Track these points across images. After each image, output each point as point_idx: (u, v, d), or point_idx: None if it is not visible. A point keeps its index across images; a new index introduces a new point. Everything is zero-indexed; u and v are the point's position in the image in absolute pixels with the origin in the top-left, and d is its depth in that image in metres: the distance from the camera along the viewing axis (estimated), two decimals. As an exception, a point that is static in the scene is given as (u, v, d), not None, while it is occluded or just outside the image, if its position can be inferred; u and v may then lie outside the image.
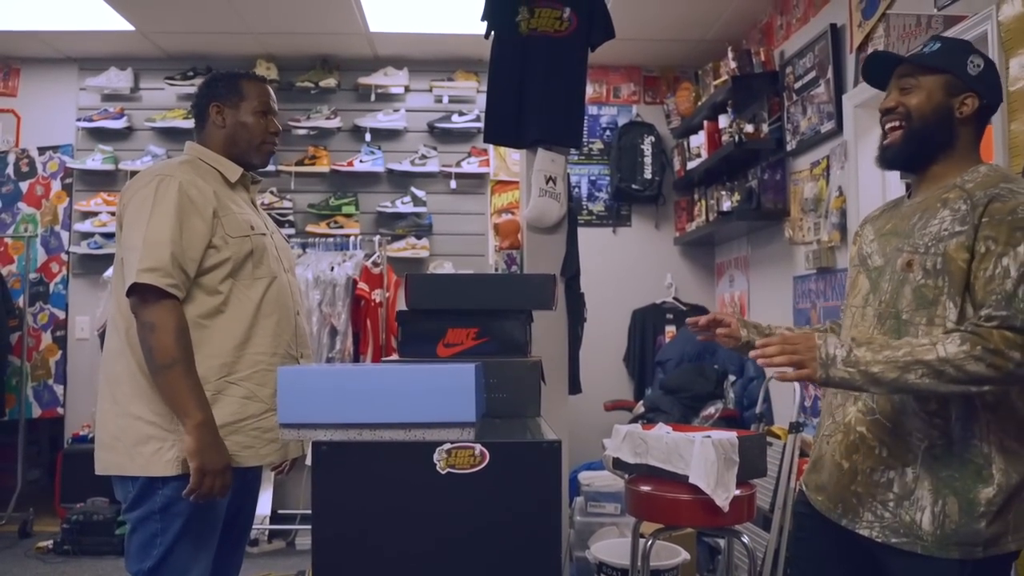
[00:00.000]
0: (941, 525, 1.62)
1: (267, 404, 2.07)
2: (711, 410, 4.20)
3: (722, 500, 2.27)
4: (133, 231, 1.99)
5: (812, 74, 3.99)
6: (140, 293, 1.94)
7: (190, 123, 5.34)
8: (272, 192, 5.27)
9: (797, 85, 4.15)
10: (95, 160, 5.27)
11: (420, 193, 5.37)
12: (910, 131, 1.75)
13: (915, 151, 1.76)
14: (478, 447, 1.47)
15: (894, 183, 3.48)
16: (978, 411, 1.62)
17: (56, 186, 5.37)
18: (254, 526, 4.59)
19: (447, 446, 1.47)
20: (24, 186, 5.37)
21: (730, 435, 2.39)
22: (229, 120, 2.21)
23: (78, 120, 5.37)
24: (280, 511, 4.96)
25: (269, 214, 5.03)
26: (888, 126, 1.79)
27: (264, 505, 4.84)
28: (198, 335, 2.00)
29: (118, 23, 4.83)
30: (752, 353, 1.74)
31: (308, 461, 1.58)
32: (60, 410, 5.22)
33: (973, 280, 1.60)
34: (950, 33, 2.89)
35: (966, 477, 1.61)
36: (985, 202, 1.61)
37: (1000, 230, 1.57)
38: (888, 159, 1.81)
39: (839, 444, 1.80)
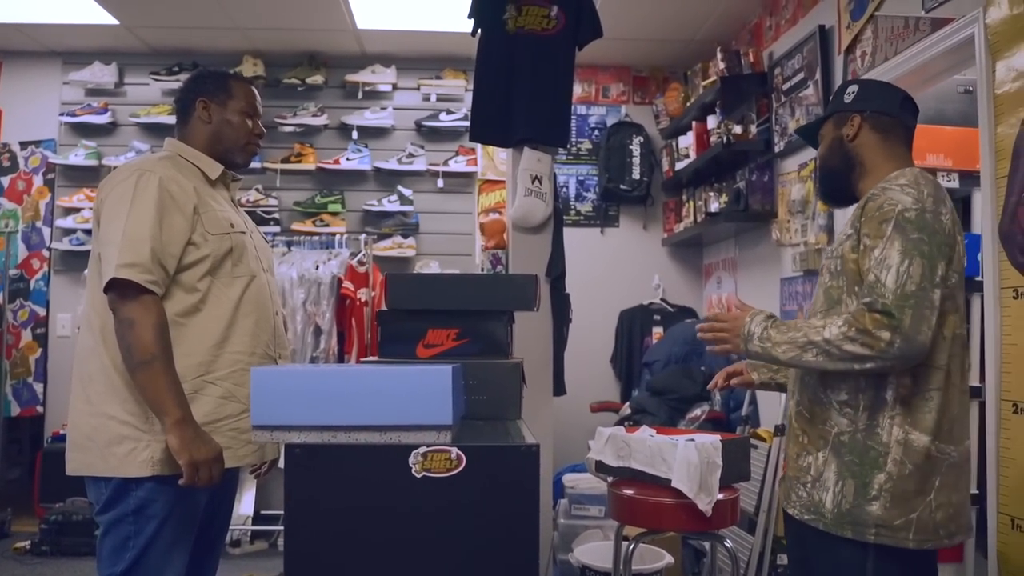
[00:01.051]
0: (838, 505, 1.80)
1: (245, 404, 2.03)
2: (697, 412, 4.18)
3: (705, 504, 2.25)
4: (112, 226, 1.95)
5: (800, 75, 3.98)
6: (119, 289, 1.90)
7: (174, 119, 5.29)
8: (257, 189, 5.23)
9: (786, 86, 4.14)
10: (78, 155, 5.21)
11: (407, 192, 5.34)
12: (821, 174, 2.08)
13: (831, 187, 2.06)
14: (454, 451, 1.45)
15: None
16: (887, 404, 1.78)
17: (38, 181, 5.31)
18: (237, 527, 4.58)
19: (423, 449, 1.45)
20: (5, 181, 5.31)
21: (713, 439, 2.37)
22: (215, 117, 2.18)
23: (61, 115, 5.30)
24: (263, 512, 4.91)
25: (254, 211, 5.05)
26: None
27: (247, 506, 4.80)
28: (175, 333, 1.97)
29: (103, 17, 4.78)
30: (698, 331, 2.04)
31: (282, 464, 1.55)
32: (40, 408, 5.16)
33: (862, 275, 1.77)
34: (938, 35, 2.89)
35: (865, 463, 1.78)
36: (863, 204, 1.82)
37: (871, 226, 1.77)
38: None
39: (787, 438, 2.04)
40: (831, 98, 2.09)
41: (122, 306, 1.90)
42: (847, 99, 1.99)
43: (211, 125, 2.18)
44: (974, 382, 3.45)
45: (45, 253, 5.28)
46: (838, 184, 2.01)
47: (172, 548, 1.99)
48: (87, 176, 5.27)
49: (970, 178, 3.52)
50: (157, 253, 1.93)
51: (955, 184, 3.63)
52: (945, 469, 1.77)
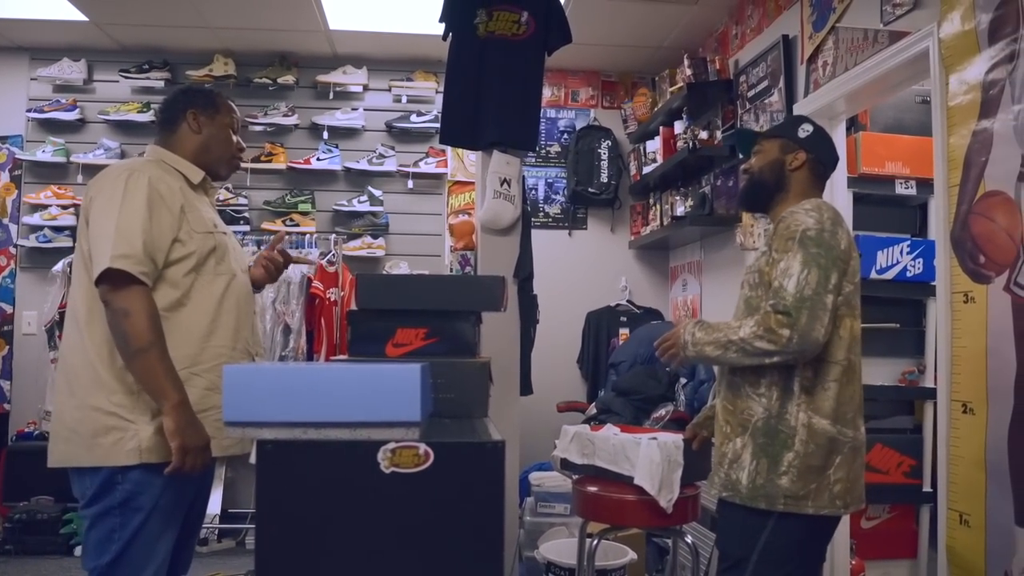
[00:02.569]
0: (753, 480, 2.06)
1: None
2: (662, 412, 4.24)
3: (666, 501, 2.31)
4: (103, 221, 2.01)
5: (765, 83, 4.07)
6: (112, 280, 1.96)
7: (145, 116, 5.24)
8: (227, 188, 5.22)
9: (750, 93, 4.23)
10: (46, 152, 5.17)
11: (377, 192, 5.36)
12: (751, 181, 2.32)
13: (755, 195, 2.31)
14: (422, 447, 1.49)
15: (840, 192, 3.56)
16: (794, 394, 2.05)
17: (4, 178, 5.26)
18: (204, 525, 4.57)
19: (391, 445, 1.49)
20: (-29, 177, 5.26)
21: (675, 437, 2.43)
22: (205, 128, 2.28)
23: (28, 111, 5.26)
24: (230, 510, 4.92)
25: (223, 210, 5.04)
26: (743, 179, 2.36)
27: (214, 504, 4.80)
28: (162, 326, 2.02)
29: (72, 13, 4.75)
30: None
31: (252, 460, 1.59)
32: (7, 406, 5.12)
33: (771, 282, 2.04)
34: (895, 48, 2.98)
35: (776, 444, 2.05)
36: (775, 225, 2.13)
37: (779, 242, 2.07)
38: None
39: (715, 431, 2.28)
40: (783, 122, 2.34)
41: (116, 296, 1.96)
42: (801, 134, 2.26)
43: (200, 136, 2.27)
44: (928, 383, 3.57)
45: (12, 250, 5.23)
46: (763, 196, 2.29)
47: (157, 540, 2.04)
48: (54, 173, 5.24)
49: (927, 186, 3.62)
50: (148, 246, 2.00)
51: (912, 191, 3.73)
52: (847, 451, 2.06)
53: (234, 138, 2.34)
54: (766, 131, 2.36)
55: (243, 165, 5.19)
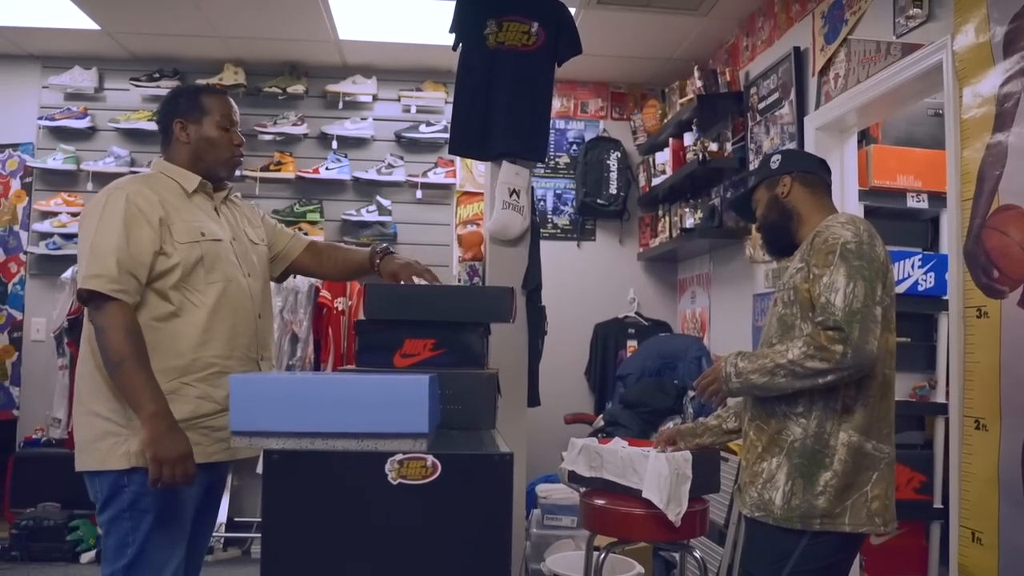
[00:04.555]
0: (788, 501, 2.02)
1: (220, 405, 2.10)
2: (670, 425, 4.22)
3: (674, 515, 2.29)
4: (82, 242, 2.09)
5: (776, 95, 4.05)
6: (89, 299, 2.02)
7: (154, 125, 5.26)
8: (236, 197, 5.22)
9: (761, 106, 4.22)
10: (56, 160, 5.19)
11: (386, 202, 5.36)
12: (764, 231, 2.35)
13: (774, 239, 2.33)
14: (430, 458, 1.48)
15: (851, 205, 3.55)
16: (835, 412, 2.01)
17: (16, 185, 5.28)
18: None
19: (399, 457, 1.48)
20: (-18, 184, 5.28)
21: (684, 451, 2.41)
22: (193, 136, 2.26)
23: (39, 119, 5.28)
24: (236, 519, 4.90)
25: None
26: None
27: (220, 513, 4.78)
28: (153, 337, 2.06)
29: (84, 22, 4.78)
30: (695, 392, 2.26)
31: (259, 469, 1.57)
32: (15, 412, 5.12)
33: (813, 300, 2.01)
34: (908, 60, 2.97)
35: (813, 464, 2.00)
36: (811, 239, 2.08)
37: (818, 257, 2.02)
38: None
39: (743, 447, 2.24)
40: (756, 170, 2.42)
41: (94, 314, 2.03)
42: (773, 166, 2.30)
43: (191, 145, 2.26)
44: (939, 399, 3.54)
45: (22, 257, 5.25)
46: (780, 235, 2.29)
47: (170, 540, 2.08)
48: (65, 180, 5.25)
49: (939, 199, 3.60)
50: (124, 263, 2.02)
51: (924, 204, 3.71)
52: (883, 466, 2.02)
53: (226, 136, 2.29)
54: (750, 186, 2.41)
55: (252, 174, 5.22)
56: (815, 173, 2.28)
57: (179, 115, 2.26)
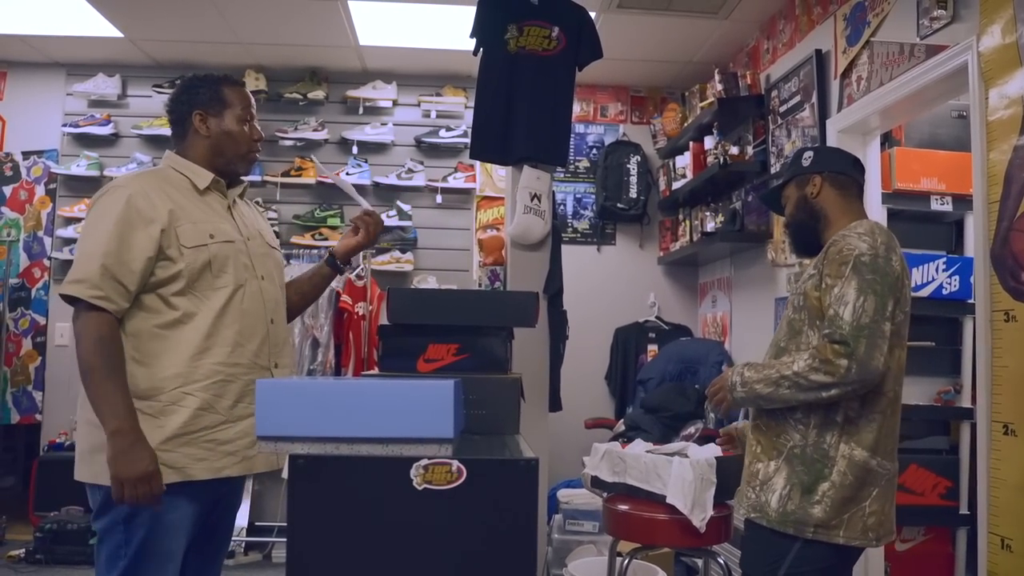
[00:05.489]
0: (784, 505, 2.01)
1: (224, 416, 2.02)
2: (691, 430, 4.20)
3: (699, 521, 2.28)
4: (78, 244, 2.02)
5: (797, 98, 4.03)
6: (72, 304, 1.94)
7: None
8: (257, 202, 5.25)
9: (782, 109, 4.19)
10: (80, 166, 5.24)
11: (406, 207, 5.38)
12: (790, 229, 2.31)
13: (801, 239, 2.29)
14: (455, 463, 1.48)
15: (875, 208, 3.52)
16: (836, 424, 1.99)
17: (40, 191, 5.34)
18: (231, 538, 4.58)
19: (424, 462, 1.47)
20: (8, 190, 5.33)
21: (708, 455, 2.40)
22: (213, 129, 2.15)
23: (64, 125, 5.33)
24: (257, 523, 4.92)
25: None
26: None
27: (241, 517, 4.80)
28: (157, 345, 1.98)
29: (107, 30, 4.82)
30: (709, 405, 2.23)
31: (284, 474, 1.58)
32: (39, 416, 5.17)
33: (823, 310, 1.99)
34: (933, 62, 2.94)
35: (811, 472, 2.00)
36: (826, 248, 2.06)
37: (832, 267, 2.00)
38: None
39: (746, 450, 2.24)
40: (788, 165, 2.36)
41: (74, 321, 1.94)
42: (805, 163, 2.25)
43: (210, 138, 2.15)
44: (964, 403, 3.50)
45: (46, 262, 5.30)
46: (807, 236, 2.26)
47: (166, 558, 1.97)
48: (88, 186, 5.29)
49: (963, 202, 3.57)
50: (110, 268, 1.92)
51: (948, 207, 3.68)
52: (883, 483, 2.01)
53: (247, 130, 2.19)
54: (780, 181, 2.36)
55: (272, 179, 5.25)
56: (847, 174, 2.24)
57: (199, 106, 2.14)
